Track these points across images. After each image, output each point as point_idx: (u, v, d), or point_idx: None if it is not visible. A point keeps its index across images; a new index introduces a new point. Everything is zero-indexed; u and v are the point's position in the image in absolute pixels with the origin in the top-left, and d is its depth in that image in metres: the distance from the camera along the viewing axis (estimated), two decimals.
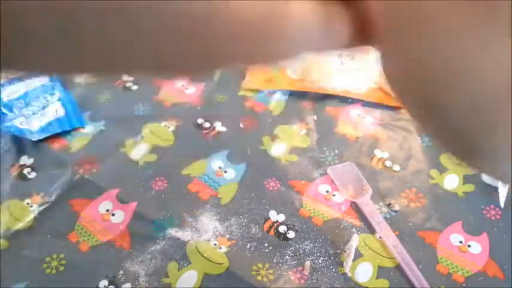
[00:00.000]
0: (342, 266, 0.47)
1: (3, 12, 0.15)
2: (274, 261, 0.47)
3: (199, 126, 0.61)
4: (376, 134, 0.60)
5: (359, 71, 0.67)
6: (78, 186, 0.54)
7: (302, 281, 0.46)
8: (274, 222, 0.51)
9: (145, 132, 0.61)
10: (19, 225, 0.50)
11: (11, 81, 0.65)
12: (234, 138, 0.60)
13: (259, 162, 0.57)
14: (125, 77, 0.68)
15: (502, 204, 0.51)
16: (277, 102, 0.65)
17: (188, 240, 0.49)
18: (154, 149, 0.58)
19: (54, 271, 0.47)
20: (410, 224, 0.50)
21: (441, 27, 0.16)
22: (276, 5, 0.18)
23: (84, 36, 0.16)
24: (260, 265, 0.47)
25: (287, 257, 0.48)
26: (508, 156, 0.17)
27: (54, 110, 0.62)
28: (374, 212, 0.51)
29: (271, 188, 0.54)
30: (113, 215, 0.51)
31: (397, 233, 0.49)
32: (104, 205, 0.52)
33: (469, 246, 0.48)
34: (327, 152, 0.58)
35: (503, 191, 0.51)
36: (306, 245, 0.49)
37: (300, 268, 0.47)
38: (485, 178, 0.53)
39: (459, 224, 0.50)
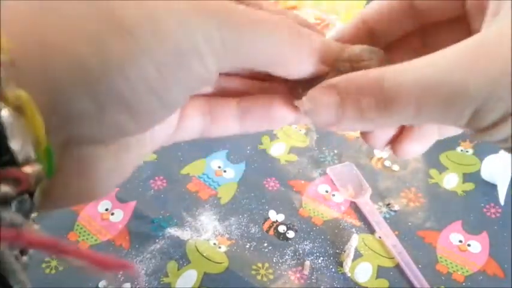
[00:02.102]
0: (342, 266, 0.47)
1: None
2: (274, 260, 0.47)
3: None
4: None
5: None
6: None
7: (302, 281, 0.46)
8: (273, 222, 0.51)
9: None
10: None
11: None
12: (233, 137, 0.60)
13: (259, 162, 0.57)
14: None
15: (502, 202, 0.51)
16: None
17: (188, 240, 0.49)
18: None
19: (53, 271, 0.46)
20: (410, 223, 0.50)
21: None
22: None
23: None
24: (260, 265, 0.47)
25: (287, 256, 0.48)
26: None
27: None
28: (373, 211, 0.51)
29: (270, 188, 0.54)
30: (112, 214, 0.51)
31: (396, 232, 0.49)
32: (103, 204, 0.52)
33: (468, 245, 0.48)
34: (326, 152, 0.58)
35: (502, 188, 0.51)
36: (306, 244, 0.49)
37: (300, 268, 0.47)
38: (485, 176, 0.53)
39: (459, 223, 0.50)
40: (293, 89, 0.24)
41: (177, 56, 0.17)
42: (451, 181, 0.54)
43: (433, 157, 0.57)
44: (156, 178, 0.55)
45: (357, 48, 0.23)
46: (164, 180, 0.55)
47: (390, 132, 0.24)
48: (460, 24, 0.23)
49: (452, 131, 0.25)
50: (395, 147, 0.25)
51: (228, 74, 0.25)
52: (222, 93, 0.25)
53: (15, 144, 0.14)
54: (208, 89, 0.25)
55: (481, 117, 0.19)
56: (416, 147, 0.24)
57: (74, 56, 0.16)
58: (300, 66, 0.22)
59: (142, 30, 0.17)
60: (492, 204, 0.52)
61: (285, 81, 0.24)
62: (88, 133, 0.17)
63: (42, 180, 0.16)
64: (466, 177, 0.55)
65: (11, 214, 0.14)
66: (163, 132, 0.23)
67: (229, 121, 0.24)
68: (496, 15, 0.20)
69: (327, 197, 0.53)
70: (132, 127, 0.18)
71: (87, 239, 0.49)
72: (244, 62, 0.20)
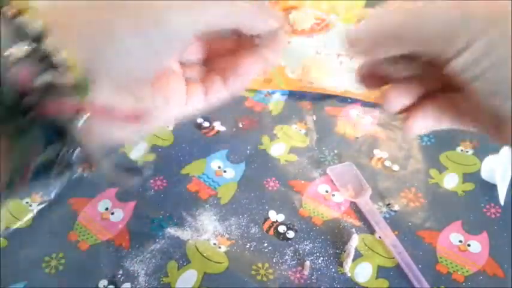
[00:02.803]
0: (342, 266, 0.47)
1: None
2: (274, 261, 0.47)
3: (199, 126, 0.61)
4: (376, 134, 0.60)
5: None
6: (77, 185, 0.54)
7: (302, 281, 0.46)
8: (273, 222, 0.51)
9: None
10: (18, 224, 0.50)
11: None
12: (233, 137, 0.60)
13: (259, 162, 0.57)
14: None
15: (502, 202, 0.51)
16: (276, 102, 0.65)
17: (188, 240, 0.49)
18: (153, 149, 0.58)
19: (53, 270, 0.46)
20: (410, 223, 0.50)
21: None
22: None
23: None
24: (260, 265, 0.47)
25: (287, 256, 0.48)
26: None
27: None
28: (373, 211, 0.51)
29: (270, 188, 0.54)
30: (112, 213, 0.51)
31: (396, 232, 0.49)
32: (103, 204, 0.52)
33: (468, 245, 0.48)
34: (326, 152, 0.58)
35: (502, 188, 0.51)
36: (306, 244, 0.49)
37: (300, 268, 0.47)
38: (485, 176, 0.53)
39: (459, 223, 0.50)
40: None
41: (159, 14, 0.25)
42: (451, 181, 0.54)
43: (433, 157, 0.57)
44: (156, 178, 0.55)
45: None
46: (164, 180, 0.55)
47: (406, 99, 0.29)
48: None
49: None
50: (407, 118, 0.29)
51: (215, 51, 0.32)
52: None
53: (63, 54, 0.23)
54: (193, 54, 0.32)
55: (448, 47, 0.24)
56: (424, 121, 0.29)
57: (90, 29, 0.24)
58: (255, 24, 0.29)
59: (131, 5, 0.25)
60: (492, 204, 0.52)
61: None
62: (112, 74, 0.25)
63: (80, 90, 0.23)
64: (466, 177, 0.55)
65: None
66: (176, 102, 0.31)
67: (218, 89, 0.32)
68: None
69: (327, 197, 0.53)
70: (139, 65, 0.26)
71: (87, 238, 0.49)
72: (211, 25, 0.27)
